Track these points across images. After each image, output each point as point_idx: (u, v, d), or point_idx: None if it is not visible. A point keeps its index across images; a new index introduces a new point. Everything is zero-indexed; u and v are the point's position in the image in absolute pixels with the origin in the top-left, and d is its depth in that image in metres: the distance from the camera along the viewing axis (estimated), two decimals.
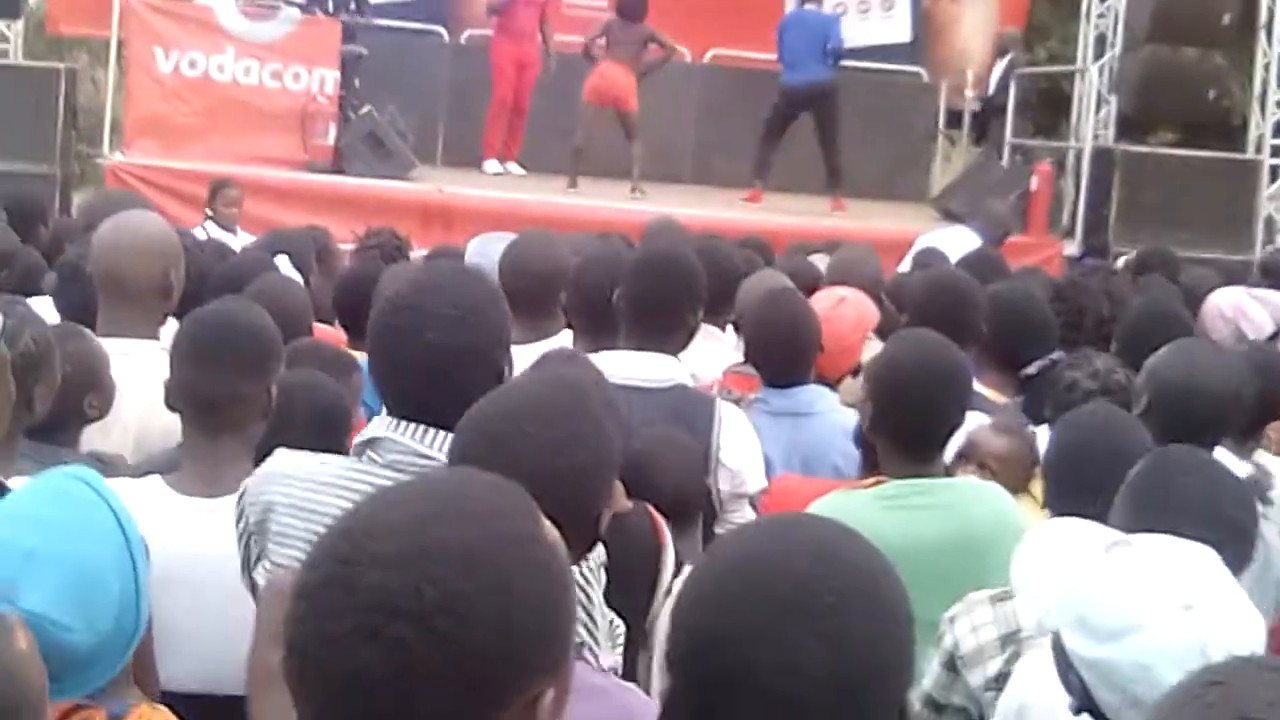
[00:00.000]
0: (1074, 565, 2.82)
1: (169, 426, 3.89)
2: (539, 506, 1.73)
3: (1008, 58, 16.35)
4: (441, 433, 2.93)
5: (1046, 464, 3.92)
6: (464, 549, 1.56)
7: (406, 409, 2.98)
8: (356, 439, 3.05)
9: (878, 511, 3.81)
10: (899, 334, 4.43)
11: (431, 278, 3.24)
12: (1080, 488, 3.53)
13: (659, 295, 4.63)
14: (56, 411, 3.63)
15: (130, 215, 4.72)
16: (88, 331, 4.03)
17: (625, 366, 4.34)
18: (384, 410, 3.05)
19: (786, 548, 1.80)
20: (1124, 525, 3.05)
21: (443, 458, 2.88)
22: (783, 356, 5.01)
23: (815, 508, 4.07)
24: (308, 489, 2.98)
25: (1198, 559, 2.55)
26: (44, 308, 4.44)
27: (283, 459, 3.10)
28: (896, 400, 3.96)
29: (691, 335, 4.75)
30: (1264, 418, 4.73)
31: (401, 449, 2.95)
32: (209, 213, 10.72)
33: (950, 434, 4.03)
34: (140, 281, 4.37)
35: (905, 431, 3.97)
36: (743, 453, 4.50)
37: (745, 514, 4.42)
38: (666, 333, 4.62)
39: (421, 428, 2.95)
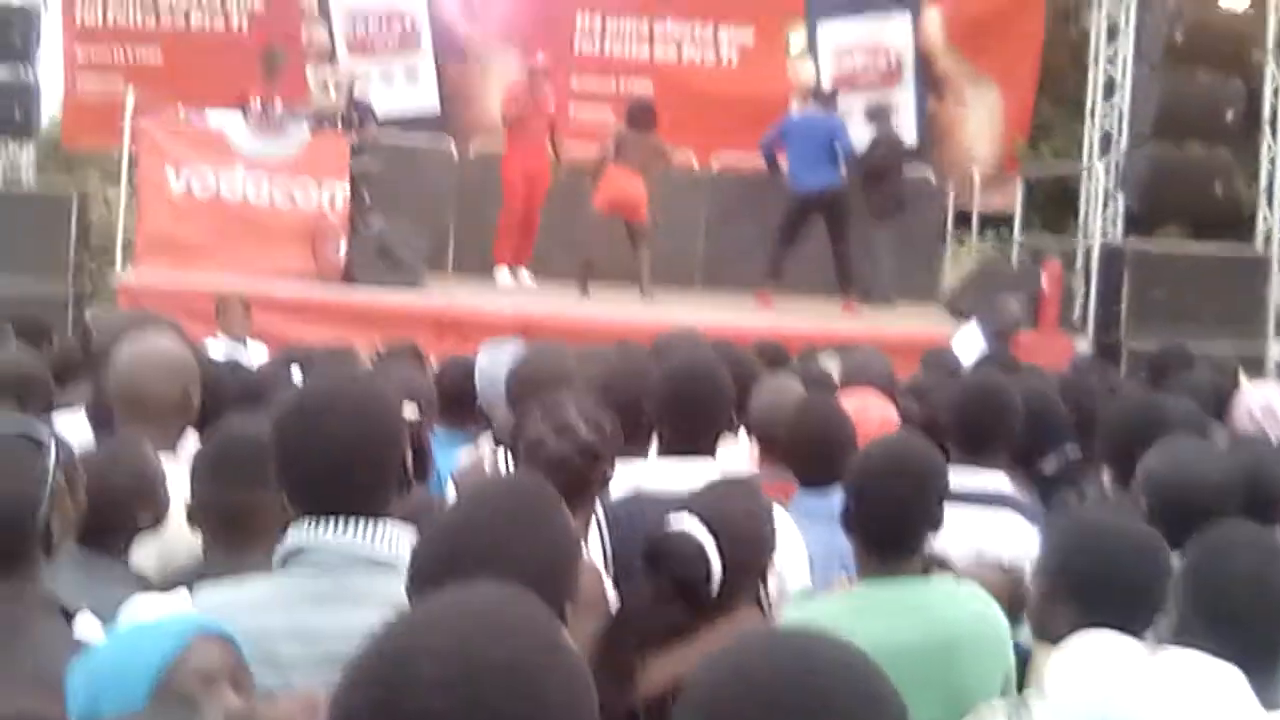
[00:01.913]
0: (1102, 681, 2.81)
1: (192, 542, 3.91)
2: None
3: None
4: (362, 522, 3.00)
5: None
6: (506, 667, 1.59)
7: (318, 507, 3.02)
8: (278, 551, 3.06)
9: (846, 616, 3.78)
10: (882, 436, 4.43)
11: (321, 380, 3.39)
12: (1108, 601, 3.49)
13: (694, 404, 4.69)
14: (109, 521, 3.66)
15: (149, 335, 4.75)
16: (145, 442, 4.04)
17: (666, 476, 4.34)
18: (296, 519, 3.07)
19: (780, 657, 1.79)
20: (1184, 608, 3.04)
21: (369, 551, 2.97)
22: (821, 459, 5.01)
23: (789, 616, 4.06)
24: (248, 614, 2.96)
25: (1223, 680, 2.54)
26: (74, 424, 4.44)
27: (209, 593, 3.12)
28: (865, 497, 3.96)
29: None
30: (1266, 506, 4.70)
31: (329, 548, 2.99)
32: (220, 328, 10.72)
33: (924, 535, 4.00)
34: (159, 400, 4.39)
35: (876, 532, 3.96)
36: (788, 554, 4.50)
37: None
38: (702, 440, 4.67)
39: (341, 522, 3.00)
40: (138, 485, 3.89)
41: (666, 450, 4.73)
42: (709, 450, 4.70)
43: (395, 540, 3.02)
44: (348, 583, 2.97)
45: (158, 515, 3.93)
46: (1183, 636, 3.04)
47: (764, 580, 3.64)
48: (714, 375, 4.84)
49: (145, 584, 3.79)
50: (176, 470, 4.17)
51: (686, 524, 3.46)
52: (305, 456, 3.05)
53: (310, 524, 3.01)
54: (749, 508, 3.68)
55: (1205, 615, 3.03)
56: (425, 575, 2.56)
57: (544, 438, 4.01)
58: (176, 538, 4.02)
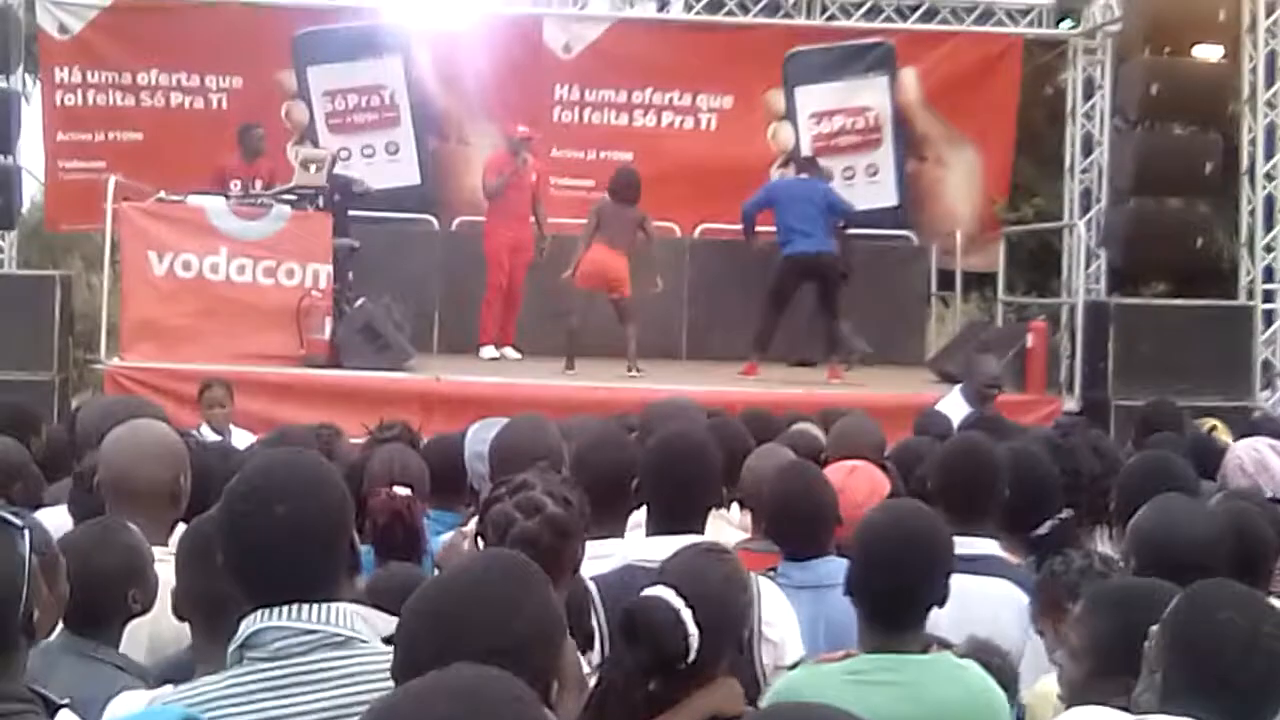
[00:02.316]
0: None
1: (181, 632, 3.87)
2: None
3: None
4: (314, 605, 2.97)
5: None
6: None
7: (269, 594, 2.99)
8: (231, 646, 3.03)
9: (843, 688, 3.76)
10: (884, 503, 4.41)
11: (264, 462, 3.28)
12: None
13: (681, 481, 4.67)
14: (99, 605, 3.63)
15: (140, 423, 4.74)
16: (133, 527, 4.02)
17: (656, 551, 4.32)
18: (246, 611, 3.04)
19: None
20: (1162, 664, 3.00)
21: (325, 629, 2.94)
22: (802, 529, 5.00)
23: (785, 683, 4.04)
24: (206, 710, 2.94)
25: None
26: (56, 518, 4.41)
27: (167, 698, 3.09)
28: (869, 569, 3.95)
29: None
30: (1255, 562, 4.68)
31: (283, 632, 2.96)
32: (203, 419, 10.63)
33: (928, 608, 3.98)
34: (151, 488, 4.38)
35: (878, 602, 3.94)
36: (782, 625, 4.48)
37: None
38: (691, 514, 4.66)
39: (293, 607, 2.97)
40: (127, 568, 3.87)
41: (656, 526, 4.71)
42: (698, 526, 4.68)
43: (348, 616, 3.00)
44: (306, 665, 2.95)
45: (148, 599, 3.90)
46: (1167, 702, 3.00)
47: (741, 648, 3.61)
48: (701, 451, 4.83)
49: (138, 670, 3.76)
50: (168, 562, 4.14)
51: (661, 593, 3.44)
52: (248, 546, 3.03)
53: (262, 613, 2.98)
54: (724, 573, 3.65)
55: (1189, 676, 2.99)
56: (410, 652, 2.54)
57: (512, 516, 3.98)
58: (167, 625, 3.99)
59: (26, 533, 3.11)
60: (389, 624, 3.28)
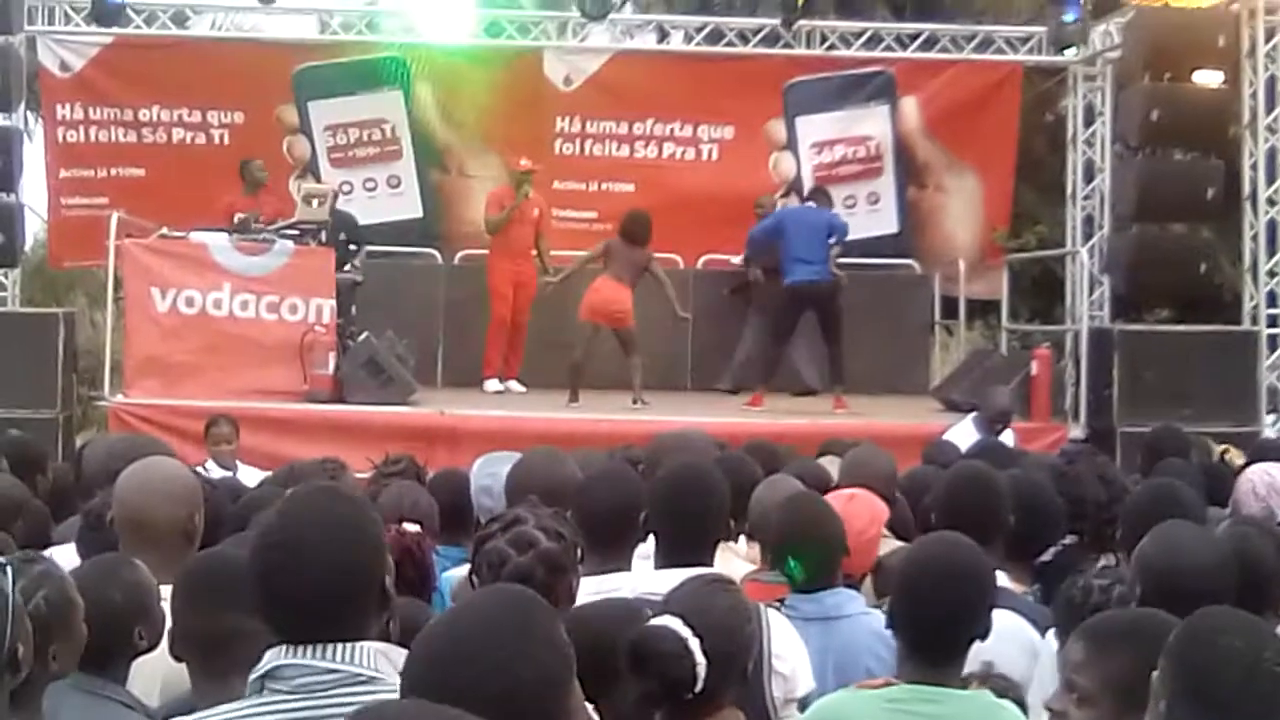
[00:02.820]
0: None
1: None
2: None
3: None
4: (339, 645, 2.95)
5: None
6: None
7: (298, 634, 2.98)
8: (253, 674, 3.01)
9: (882, 713, 3.76)
10: (930, 535, 4.37)
11: (296, 505, 3.22)
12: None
13: (690, 511, 4.67)
14: (106, 642, 3.61)
15: (153, 460, 4.73)
16: (139, 563, 4.00)
17: (663, 584, 4.30)
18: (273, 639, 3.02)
19: None
20: (1165, 694, 2.98)
21: (348, 668, 2.93)
22: (809, 560, 4.96)
23: (821, 705, 4.02)
24: None
25: None
26: (66, 556, 4.40)
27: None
28: (914, 601, 3.92)
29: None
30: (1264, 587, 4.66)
31: (306, 670, 2.94)
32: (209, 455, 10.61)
33: (970, 641, 3.96)
34: (165, 526, 4.36)
35: (921, 634, 3.92)
36: (793, 658, 4.46)
37: (795, 718, 4.34)
38: (700, 547, 4.64)
39: (318, 646, 2.95)
40: (134, 605, 3.84)
41: (664, 559, 4.69)
42: (707, 559, 4.66)
43: (372, 657, 2.98)
44: (326, 701, 2.93)
45: (155, 636, 3.88)
46: None
47: (745, 678, 3.59)
48: (708, 483, 4.82)
49: (145, 710, 3.74)
50: None
51: (668, 622, 3.42)
52: (282, 587, 3.00)
53: (287, 649, 2.96)
54: (729, 603, 3.64)
55: (1193, 705, 2.96)
56: (416, 686, 2.52)
57: (505, 552, 3.97)
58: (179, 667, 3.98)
59: (9, 569, 3.10)
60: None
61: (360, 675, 2.95)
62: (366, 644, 3.00)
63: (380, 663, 2.98)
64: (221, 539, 4.35)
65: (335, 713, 2.88)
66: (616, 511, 4.78)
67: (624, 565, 4.76)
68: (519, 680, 2.51)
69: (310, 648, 2.95)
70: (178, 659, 3.69)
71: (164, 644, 3.98)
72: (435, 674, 2.51)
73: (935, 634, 3.91)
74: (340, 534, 3.03)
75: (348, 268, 14.36)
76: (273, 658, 2.97)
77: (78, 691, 3.37)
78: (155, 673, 4.07)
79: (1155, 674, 3.05)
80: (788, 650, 4.46)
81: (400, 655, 3.17)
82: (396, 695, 2.86)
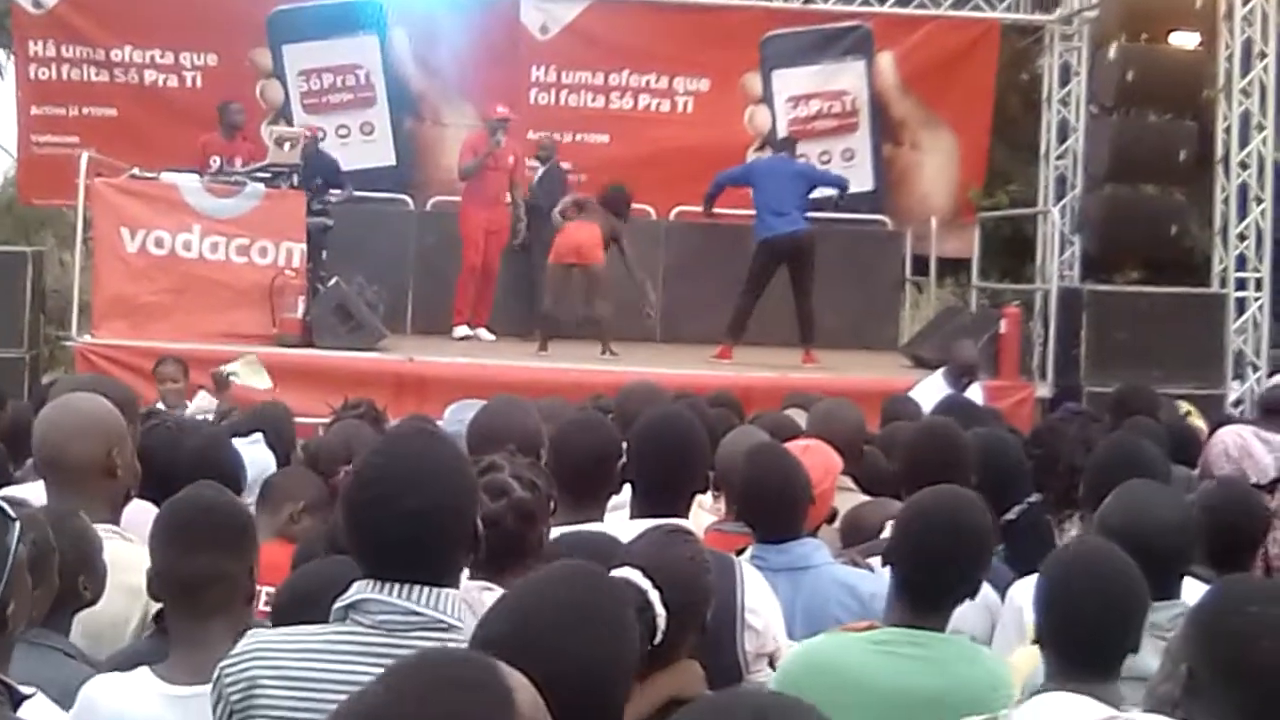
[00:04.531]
0: None
1: (121, 612, 3.85)
2: (556, 704, 1.96)
3: (549, 162, 16.33)
4: (425, 589, 2.98)
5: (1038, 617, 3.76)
6: None
7: (386, 572, 3.00)
8: (338, 603, 3.03)
9: (868, 654, 3.79)
10: (940, 487, 4.33)
11: (395, 445, 3.25)
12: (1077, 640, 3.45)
13: (671, 461, 4.66)
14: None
15: (72, 396, 4.63)
16: (82, 514, 3.97)
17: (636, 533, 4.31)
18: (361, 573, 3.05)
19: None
20: (1186, 658, 2.96)
21: (430, 613, 2.96)
22: (775, 512, 4.96)
23: (806, 647, 4.04)
24: (298, 659, 2.97)
25: None
26: (34, 494, 4.39)
27: (259, 634, 3.09)
28: (918, 547, 3.94)
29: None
30: (1238, 548, 4.68)
31: (389, 608, 2.97)
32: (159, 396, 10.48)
33: (960, 597, 3.99)
34: (81, 463, 4.28)
35: (919, 580, 3.95)
36: (766, 612, 4.46)
37: (766, 674, 4.35)
38: (676, 498, 4.64)
39: (405, 586, 2.98)
40: (77, 555, 3.77)
41: (639, 509, 4.68)
42: (683, 510, 4.66)
43: (456, 605, 3.00)
44: (404, 641, 2.94)
45: (98, 587, 3.84)
46: (1196, 695, 2.93)
47: (704, 630, 3.59)
48: (690, 434, 4.81)
49: (84, 658, 3.71)
50: (117, 543, 4.10)
51: (628, 574, 3.42)
52: (371, 535, 3.02)
53: (374, 584, 2.99)
54: (689, 554, 3.64)
55: (1219, 671, 2.93)
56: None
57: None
58: (104, 612, 3.96)
59: (17, 526, 3.08)
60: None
61: (441, 622, 2.97)
62: (451, 591, 3.03)
63: (463, 612, 3.00)
64: (175, 478, 4.27)
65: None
66: (592, 460, 4.76)
67: (597, 516, 4.75)
68: (593, 654, 2.54)
69: (396, 586, 2.97)
70: (155, 598, 3.67)
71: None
72: (512, 649, 2.49)
73: (930, 582, 3.95)
74: (438, 474, 3.06)
75: (318, 206, 14.28)
76: (360, 590, 3.00)
77: (23, 643, 3.33)
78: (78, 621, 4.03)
79: (1173, 635, 3.05)
80: (761, 604, 4.45)
81: (479, 603, 3.17)
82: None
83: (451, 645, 2.86)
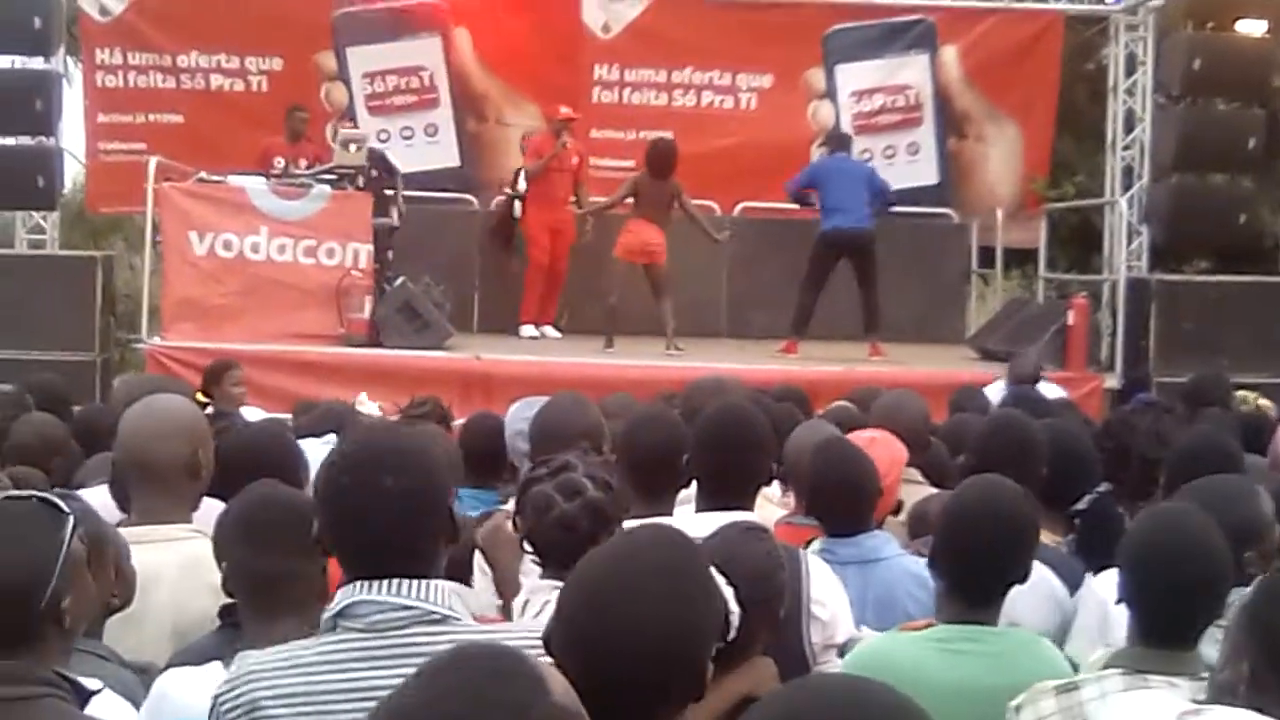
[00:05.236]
0: None
1: (206, 610, 3.86)
2: (644, 662, 2.11)
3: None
4: (414, 582, 2.95)
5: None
6: None
7: (368, 567, 2.97)
8: (325, 613, 3.01)
9: (926, 651, 3.79)
10: (974, 478, 4.35)
11: (367, 434, 3.29)
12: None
13: (735, 454, 4.66)
14: None
15: (156, 398, 4.66)
16: (106, 522, 3.99)
17: (704, 528, 4.31)
18: (343, 579, 3.03)
19: (824, 700, 1.82)
20: (1247, 654, 2.95)
21: (424, 605, 2.93)
22: (844, 505, 4.97)
23: (864, 646, 4.04)
24: (296, 675, 2.93)
25: None
26: (97, 497, 4.41)
27: (250, 656, 3.05)
28: (959, 544, 3.93)
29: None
30: None
31: (380, 606, 2.94)
32: (202, 399, 10.31)
33: (1010, 585, 3.97)
34: (168, 463, 4.31)
35: (965, 576, 3.93)
36: (833, 603, 4.46)
37: (835, 665, 4.34)
38: (742, 491, 4.64)
39: (393, 581, 2.95)
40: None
41: (705, 503, 4.68)
42: (748, 503, 4.65)
43: (447, 595, 2.98)
44: (400, 639, 2.93)
45: (127, 593, 3.84)
46: (1259, 691, 2.92)
47: (776, 627, 3.59)
48: (753, 426, 4.80)
49: (120, 661, 3.71)
50: (192, 539, 4.13)
51: None
52: (351, 517, 3.00)
53: (361, 585, 2.96)
54: (763, 551, 3.64)
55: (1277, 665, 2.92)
56: (575, 620, 2.58)
57: (552, 498, 3.97)
58: (190, 608, 3.99)
59: (71, 520, 3.09)
60: (478, 601, 3.28)
61: (435, 614, 2.95)
62: (441, 582, 3.01)
63: (454, 602, 2.98)
64: (244, 473, 4.29)
65: (411, 651, 2.88)
66: (661, 454, 4.75)
67: (667, 510, 4.75)
68: (680, 618, 2.55)
69: (384, 583, 2.94)
70: (230, 595, 3.69)
71: (173, 589, 3.99)
72: (594, 613, 2.54)
73: (976, 576, 3.95)
74: (409, 459, 3.04)
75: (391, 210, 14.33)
76: (346, 595, 2.97)
77: None
78: (164, 618, 4.06)
79: (1229, 626, 3.04)
80: (827, 596, 4.45)
81: (472, 596, 3.18)
82: (469, 635, 2.88)
83: (482, 638, 2.85)
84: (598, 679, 2.43)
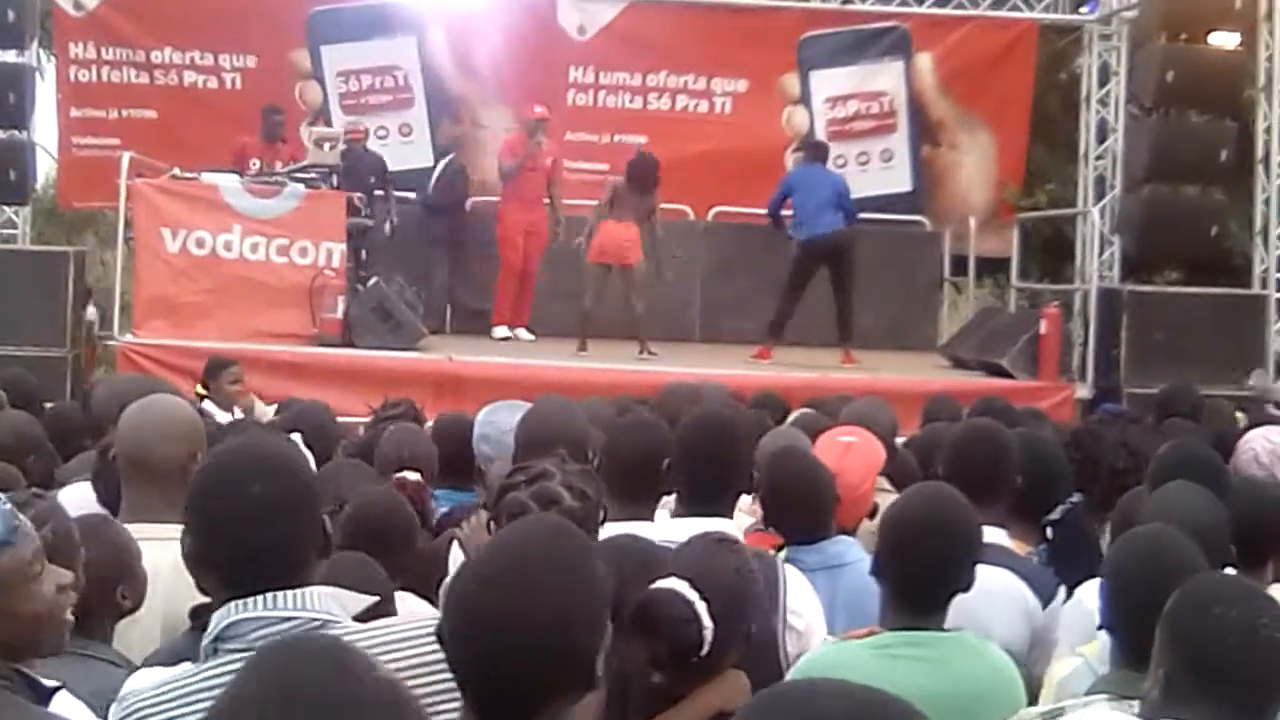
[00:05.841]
0: None
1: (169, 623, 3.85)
2: (533, 653, 2.20)
3: (447, 159, 16.51)
4: (290, 592, 2.89)
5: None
6: None
7: (241, 581, 2.90)
8: (204, 640, 2.93)
9: (869, 660, 3.78)
10: (916, 486, 4.38)
11: (235, 442, 3.23)
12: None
13: (715, 459, 4.63)
14: (90, 602, 3.57)
15: (155, 399, 4.68)
16: (116, 521, 3.99)
17: (682, 534, 4.30)
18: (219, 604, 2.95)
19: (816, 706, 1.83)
20: (1164, 663, 2.98)
21: (304, 613, 2.87)
22: (798, 516, 4.96)
23: (809, 659, 4.04)
24: (184, 706, 2.85)
25: None
26: (80, 493, 4.39)
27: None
28: (901, 550, 3.94)
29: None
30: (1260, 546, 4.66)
31: (261, 622, 2.86)
32: (201, 392, 10.40)
33: (953, 593, 3.98)
34: (165, 464, 4.32)
35: (907, 583, 3.95)
36: (809, 613, 4.45)
37: None
38: (721, 498, 4.62)
39: (268, 596, 2.88)
40: (117, 563, 3.79)
41: (684, 508, 4.65)
42: (727, 510, 4.64)
43: (322, 599, 2.92)
44: None
45: (137, 596, 3.84)
46: (1172, 700, 2.96)
47: (748, 641, 3.59)
48: (735, 433, 4.77)
49: (131, 668, 3.71)
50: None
51: (675, 585, 3.42)
52: (221, 527, 2.94)
53: (236, 604, 2.88)
54: (735, 565, 3.63)
55: (1190, 674, 2.95)
56: (464, 607, 2.56)
57: (526, 506, 3.95)
58: (183, 607, 3.96)
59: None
60: (358, 603, 3.26)
61: (315, 619, 2.88)
62: (314, 588, 2.94)
63: (331, 605, 2.93)
64: None
65: None
66: (643, 461, 4.72)
67: (648, 516, 4.73)
68: (562, 606, 2.53)
69: (260, 599, 2.87)
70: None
71: (167, 589, 3.98)
72: (481, 602, 2.52)
73: (917, 584, 3.94)
74: (276, 466, 2.99)
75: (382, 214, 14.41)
76: (222, 617, 2.89)
77: (65, 653, 3.33)
78: (156, 616, 4.06)
79: (1156, 642, 3.06)
80: (803, 605, 4.44)
81: (347, 597, 3.16)
82: (353, 636, 2.85)
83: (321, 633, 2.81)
84: (487, 670, 2.46)
